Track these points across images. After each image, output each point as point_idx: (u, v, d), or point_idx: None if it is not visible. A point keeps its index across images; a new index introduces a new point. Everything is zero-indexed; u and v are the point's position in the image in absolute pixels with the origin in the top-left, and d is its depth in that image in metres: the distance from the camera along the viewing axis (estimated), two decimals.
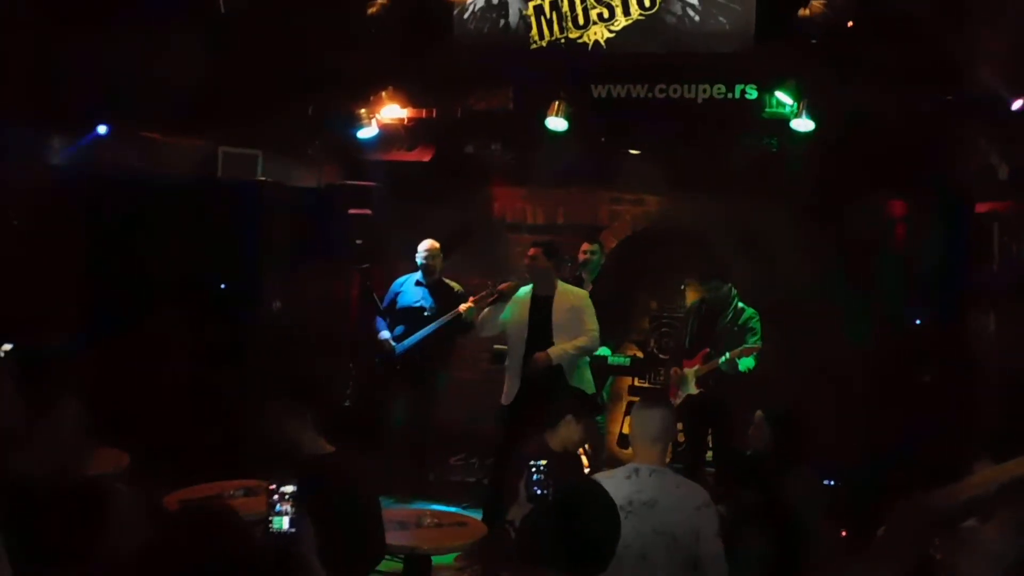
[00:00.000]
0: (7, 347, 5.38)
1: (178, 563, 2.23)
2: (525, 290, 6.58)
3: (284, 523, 2.71)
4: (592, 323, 6.43)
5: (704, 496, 3.77)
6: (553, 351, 6.30)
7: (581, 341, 6.37)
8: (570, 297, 6.51)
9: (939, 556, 2.99)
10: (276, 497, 2.71)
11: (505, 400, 6.50)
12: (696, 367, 6.76)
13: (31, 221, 6.61)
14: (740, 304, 6.76)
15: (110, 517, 2.51)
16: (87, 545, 2.50)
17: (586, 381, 6.50)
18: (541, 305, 6.45)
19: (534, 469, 3.73)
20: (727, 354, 6.52)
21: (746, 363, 6.55)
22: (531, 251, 6.54)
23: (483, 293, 7.07)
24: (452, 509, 6.04)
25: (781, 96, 6.61)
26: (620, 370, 7.68)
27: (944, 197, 6.70)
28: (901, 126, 6.33)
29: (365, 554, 3.99)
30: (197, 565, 2.24)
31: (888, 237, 7.11)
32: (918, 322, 6.91)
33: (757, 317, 6.71)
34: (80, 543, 2.49)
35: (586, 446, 7.18)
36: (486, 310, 6.70)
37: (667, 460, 3.89)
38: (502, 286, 6.72)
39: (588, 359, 6.63)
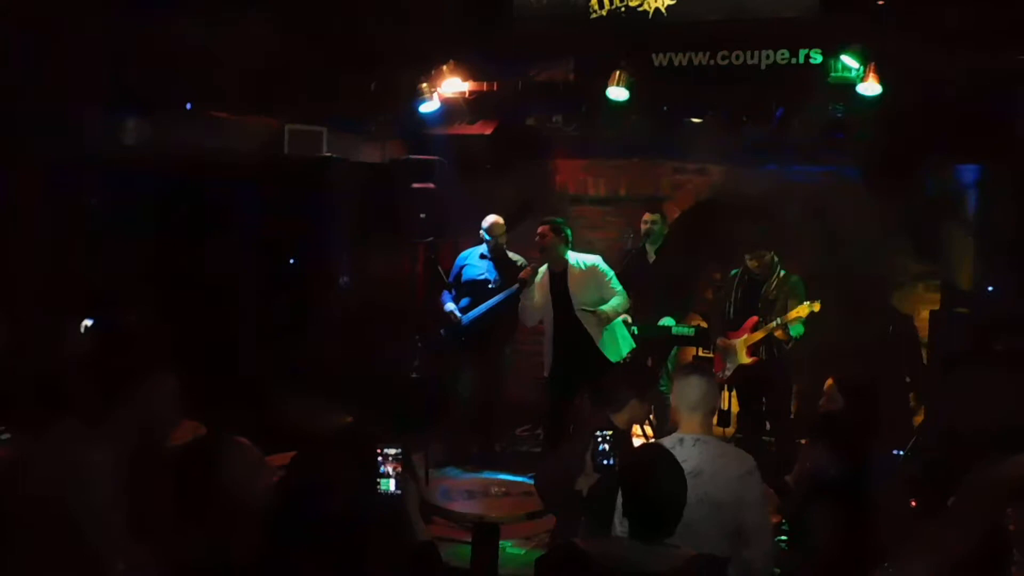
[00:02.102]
0: (88, 323, 5.53)
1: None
2: (542, 270, 6.92)
3: (391, 485, 2.93)
4: (616, 283, 6.76)
5: (749, 463, 3.76)
6: (601, 309, 6.61)
7: (617, 300, 6.68)
8: (581, 262, 6.81)
9: (1012, 527, 2.96)
10: (381, 459, 2.89)
11: (547, 372, 6.95)
12: (745, 336, 6.73)
13: (105, 199, 6.79)
14: (783, 272, 6.72)
15: (237, 469, 2.62)
16: (218, 499, 2.60)
17: (617, 348, 6.82)
18: (558, 279, 6.82)
19: (600, 439, 3.76)
20: (778, 319, 6.48)
21: (796, 329, 6.50)
22: (539, 229, 6.86)
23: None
24: (519, 479, 6.10)
25: (847, 60, 6.47)
26: (684, 340, 7.64)
27: (1019, 162, 6.53)
28: (973, 89, 6.17)
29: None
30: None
31: (959, 204, 6.96)
32: (990, 289, 6.78)
33: (802, 283, 6.66)
34: (209, 498, 2.60)
35: (651, 417, 7.23)
36: (520, 300, 7.02)
37: (711, 428, 3.91)
38: (521, 274, 7.04)
39: (623, 325, 6.95)
